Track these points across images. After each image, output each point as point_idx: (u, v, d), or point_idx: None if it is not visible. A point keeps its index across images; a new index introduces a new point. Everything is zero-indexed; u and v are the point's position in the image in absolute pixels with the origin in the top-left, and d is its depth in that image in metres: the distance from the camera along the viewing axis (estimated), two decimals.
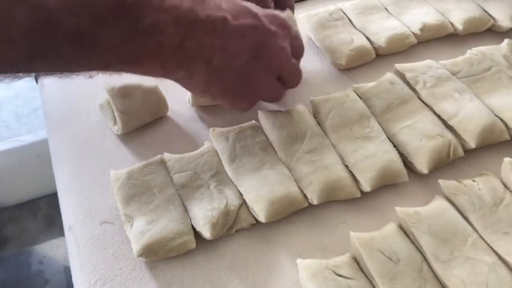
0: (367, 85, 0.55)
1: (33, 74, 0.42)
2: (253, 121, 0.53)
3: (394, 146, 0.49)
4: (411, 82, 0.54)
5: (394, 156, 0.48)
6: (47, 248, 1.30)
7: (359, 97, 0.54)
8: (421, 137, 0.49)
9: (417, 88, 0.53)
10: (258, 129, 0.52)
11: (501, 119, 0.51)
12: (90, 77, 0.42)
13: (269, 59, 0.46)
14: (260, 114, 0.53)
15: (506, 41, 0.60)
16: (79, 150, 0.53)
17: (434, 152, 0.48)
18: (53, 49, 0.36)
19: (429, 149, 0.48)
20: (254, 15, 0.45)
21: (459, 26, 0.62)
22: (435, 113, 0.52)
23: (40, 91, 0.61)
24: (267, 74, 0.47)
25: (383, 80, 0.55)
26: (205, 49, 0.42)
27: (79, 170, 0.51)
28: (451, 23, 0.63)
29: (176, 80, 0.46)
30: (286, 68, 0.48)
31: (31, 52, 0.36)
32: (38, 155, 1.32)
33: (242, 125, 0.52)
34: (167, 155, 0.50)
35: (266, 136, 0.51)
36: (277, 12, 0.49)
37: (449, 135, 0.49)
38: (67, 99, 0.59)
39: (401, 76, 0.56)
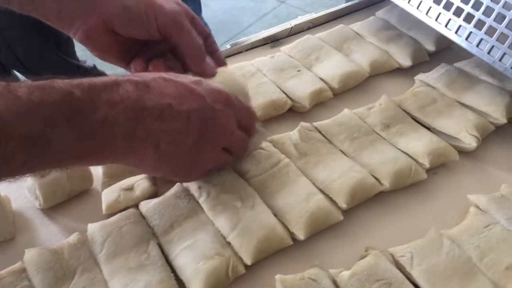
0: (151, 201, 0.51)
1: None
2: (19, 263, 0.47)
3: (173, 271, 0.46)
4: (195, 194, 0.51)
5: (169, 285, 0.44)
6: None
7: (142, 216, 0.50)
8: (199, 259, 0.45)
9: (200, 201, 0.50)
10: (22, 272, 0.46)
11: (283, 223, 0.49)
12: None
13: (215, 135, 0.48)
14: (26, 255, 0.47)
15: (300, 125, 0.58)
16: None
17: (211, 275, 0.44)
18: (4, 156, 0.35)
19: (205, 272, 0.44)
20: (198, 96, 0.46)
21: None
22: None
23: None
24: (213, 147, 0.48)
25: (168, 196, 0.51)
26: (153, 134, 0.43)
27: None
28: None
29: (127, 164, 0.46)
30: (230, 141, 0.50)
31: None
32: None
33: (2, 271, 0.46)
34: None
35: (30, 280, 0.45)
36: (221, 89, 0.49)
37: (228, 253, 0.46)
38: None
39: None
